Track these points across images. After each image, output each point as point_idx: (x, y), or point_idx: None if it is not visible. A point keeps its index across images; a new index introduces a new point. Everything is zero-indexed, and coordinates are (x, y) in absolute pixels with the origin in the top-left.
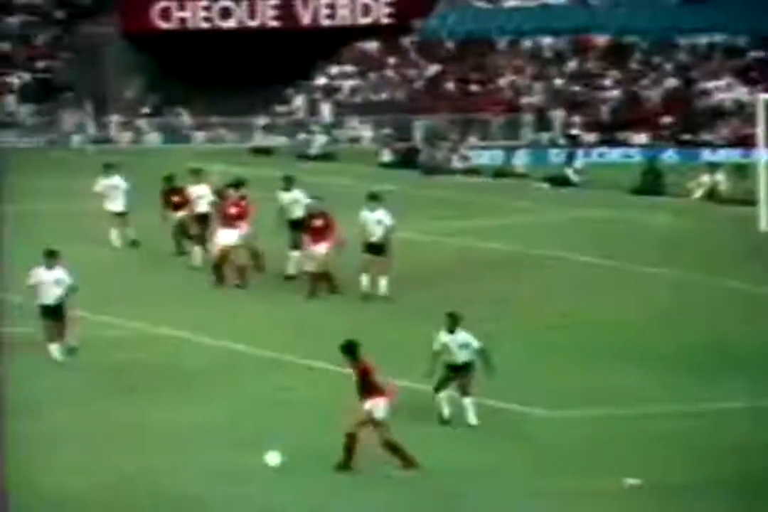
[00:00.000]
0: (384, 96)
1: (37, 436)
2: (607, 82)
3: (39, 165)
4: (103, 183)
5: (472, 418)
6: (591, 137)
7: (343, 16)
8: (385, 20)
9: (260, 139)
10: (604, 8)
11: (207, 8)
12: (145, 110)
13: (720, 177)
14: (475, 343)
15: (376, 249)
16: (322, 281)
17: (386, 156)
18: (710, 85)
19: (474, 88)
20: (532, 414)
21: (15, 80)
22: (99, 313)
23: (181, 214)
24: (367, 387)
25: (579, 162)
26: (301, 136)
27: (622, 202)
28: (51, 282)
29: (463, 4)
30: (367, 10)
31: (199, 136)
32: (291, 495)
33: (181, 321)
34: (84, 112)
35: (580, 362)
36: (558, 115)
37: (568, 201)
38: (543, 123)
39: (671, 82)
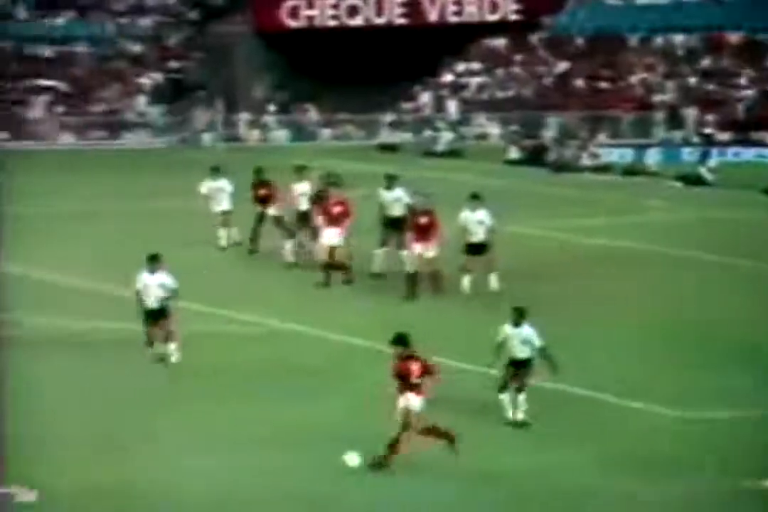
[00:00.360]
0: (511, 93)
1: (159, 432)
2: (742, 81)
3: (169, 164)
4: (208, 185)
5: (520, 415)
6: (725, 136)
7: (471, 12)
8: (513, 17)
9: (386, 136)
10: (738, 5)
11: (335, 6)
12: (273, 108)
13: None
14: (537, 341)
15: (477, 249)
16: (433, 280)
17: (513, 153)
18: None
19: (604, 85)
20: (661, 414)
21: (147, 81)
22: (220, 308)
23: (259, 208)
24: (407, 381)
25: (713, 161)
26: (427, 132)
27: (756, 202)
28: (154, 286)
29: (593, 1)
30: (494, 6)
31: (326, 133)
32: (403, 492)
33: (299, 317)
34: (215, 111)
35: (705, 362)
36: (691, 113)
37: (700, 200)
38: (675, 121)
39: None
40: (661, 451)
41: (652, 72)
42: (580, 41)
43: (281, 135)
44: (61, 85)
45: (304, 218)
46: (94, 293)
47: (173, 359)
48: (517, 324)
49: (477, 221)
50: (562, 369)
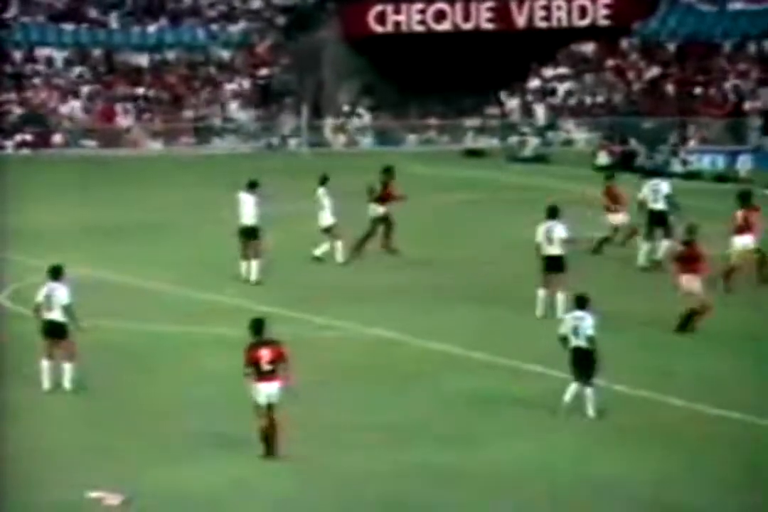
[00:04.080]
0: (600, 98)
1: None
2: None
3: (252, 170)
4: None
5: (590, 410)
6: None
7: (559, 17)
8: (603, 22)
9: (471, 142)
10: None
11: (422, 11)
12: (359, 113)
13: None
14: (590, 331)
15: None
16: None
17: (602, 158)
18: None
19: (695, 91)
20: None
21: (236, 87)
22: (312, 314)
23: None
24: (258, 368)
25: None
26: (514, 138)
27: None
28: (51, 298)
29: (685, 7)
30: (583, 12)
31: (412, 138)
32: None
33: (386, 322)
34: (301, 116)
35: None
36: None
37: None
38: None
39: None
40: None
41: (744, 78)
42: (671, 47)
43: (367, 140)
44: (152, 92)
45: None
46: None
47: (67, 383)
48: (579, 313)
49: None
50: None
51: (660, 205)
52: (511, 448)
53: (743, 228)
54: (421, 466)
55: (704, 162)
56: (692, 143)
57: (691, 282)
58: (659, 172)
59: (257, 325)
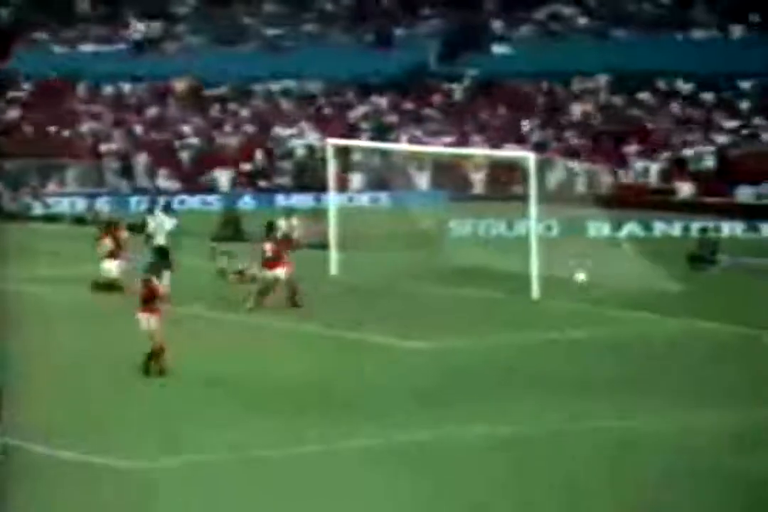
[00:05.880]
0: None
1: None
2: (187, 129)
3: None
4: None
5: None
6: (172, 184)
7: None
8: None
9: None
10: (183, 53)
11: None
12: None
13: (295, 222)
14: None
15: None
16: None
17: None
18: (285, 130)
19: (53, 132)
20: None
21: None
22: None
23: None
24: None
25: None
26: None
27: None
28: None
29: (40, 48)
30: None
31: None
32: None
33: None
34: None
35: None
36: (140, 161)
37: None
38: (125, 170)
39: (249, 128)
40: None
41: (100, 120)
42: (28, 88)
43: None
44: None
45: None
46: None
47: None
48: None
49: None
50: None
51: (162, 241)
52: None
53: (275, 260)
54: None
55: (64, 205)
56: (52, 186)
57: (149, 322)
58: (22, 215)
59: None
